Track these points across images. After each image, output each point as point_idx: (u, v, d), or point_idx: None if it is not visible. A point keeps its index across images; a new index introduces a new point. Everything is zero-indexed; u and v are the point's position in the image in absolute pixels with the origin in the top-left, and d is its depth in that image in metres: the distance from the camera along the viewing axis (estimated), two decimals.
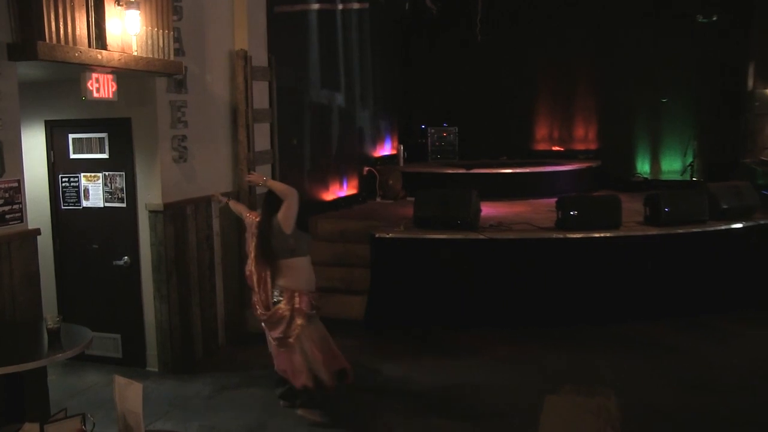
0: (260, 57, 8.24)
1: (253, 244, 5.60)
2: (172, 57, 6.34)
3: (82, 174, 7.02)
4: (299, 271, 5.50)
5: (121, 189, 6.89)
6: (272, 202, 5.49)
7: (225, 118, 7.79)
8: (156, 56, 6.11)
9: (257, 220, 5.68)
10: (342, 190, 11.37)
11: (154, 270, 6.85)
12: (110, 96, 5.78)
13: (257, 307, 5.58)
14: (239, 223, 7.83)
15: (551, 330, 7.87)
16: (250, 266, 5.61)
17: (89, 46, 5.37)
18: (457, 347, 7.53)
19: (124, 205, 6.91)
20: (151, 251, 6.84)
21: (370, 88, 12.64)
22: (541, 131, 14.41)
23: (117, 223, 6.96)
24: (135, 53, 5.85)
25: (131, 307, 7.02)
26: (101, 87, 5.66)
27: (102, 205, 6.99)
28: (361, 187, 12.05)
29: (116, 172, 6.89)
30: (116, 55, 5.59)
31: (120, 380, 3.57)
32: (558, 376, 6.55)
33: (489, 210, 9.74)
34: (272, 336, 5.57)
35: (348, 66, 11.68)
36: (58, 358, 4.57)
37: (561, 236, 8.16)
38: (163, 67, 6.21)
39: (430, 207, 8.46)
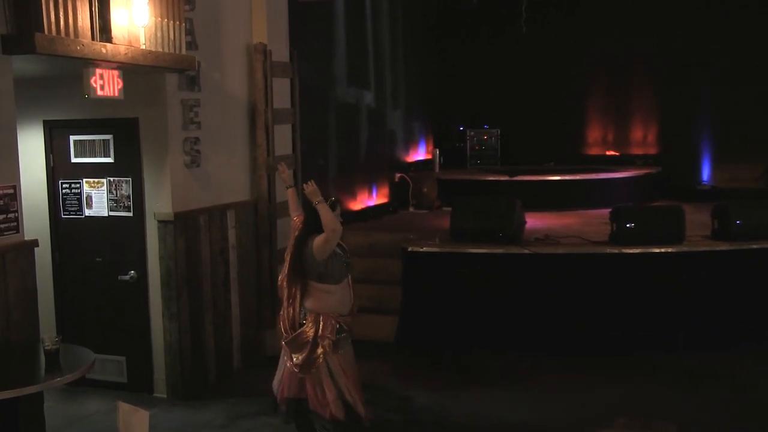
0: (281, 51, 8.25)
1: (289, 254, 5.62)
2: (183, 51, 6.35)
3: (85, 180, 7.04)
4: (328, 295, 5.49)
5: (128, 196, 6.90)
6: (313, 220, 5.47)
7: (242, 119, 7.81)
8: (166, 50, 6.11)
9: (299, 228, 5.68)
10: (371, 198, 11.37)
11: (163, 286, 6.86)
12: (116, 94, 5.79)
13: (282, 323, 5.56)
14: (258, 235, 7.88)
15: (604, 358, 7.77)
16: (284, 277, 5.61)
17: (92, 38, 5.37)
18: (497, 375, 7.48)
19: (130, 214, 6.92)
20: (160, 265, 6.84)
21: (403, 86, 12.64)
22: (594, 134, 14.28)
23: (122, 234, 6.97)
24: (143, 47, 5.85)
25: (137, 327, 7.02)
26: (106, 84, 5.66)
27: (106, 214, 7.00)
28: (393, 195, 12.07)
29: (122, 178, 6.91)
30: (122, 49, 5.60)
31: (124, 407, 3.57)
32: (611, 409, 6.48)
33: (534, 222, 9.67)
34: (294, 360, 5.50)
35: (378, 61, 11.70)
36: (56, 382, 4.58)
37: (616, 251, 8.07)
38: (173, 63, 6.21)
39: (469, 218, 8.43)
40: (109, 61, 5.51)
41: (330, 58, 10.17)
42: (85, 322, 7.15)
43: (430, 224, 10.17)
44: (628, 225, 8.15)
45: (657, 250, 8.06)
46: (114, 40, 5.54)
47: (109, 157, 6.94)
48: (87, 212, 7.06)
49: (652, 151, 13.88)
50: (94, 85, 5.56)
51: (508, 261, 8.13)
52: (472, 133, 14.34)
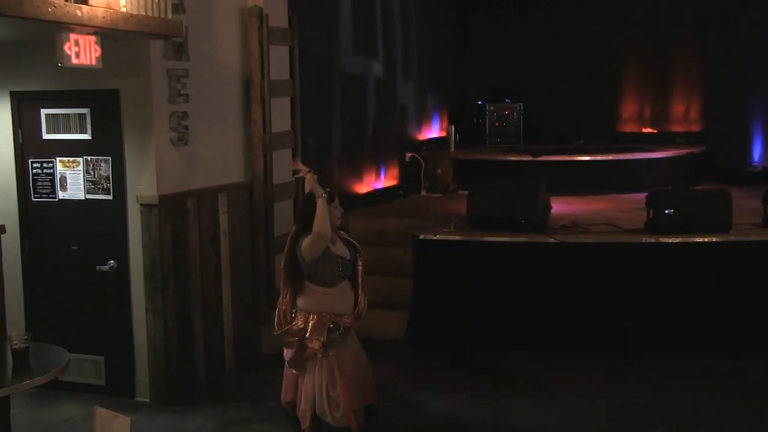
0: (279, 16, 8.22)
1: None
2: (169, 15, 6.31)
3: (58, 158, 7.02)
4: (323, 295, 5.59)
5: (107, 177, 6.89)
6: (306, 216, 5.56)
7: (235, 92, 7.80)
8: (150, 14, 6.08)
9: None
10: (379, 180, 11.37)
11: (147, 277, 6.86)
12: (93, 62, 5.76)
13: (277, 315, 5.67)
14: (253, 221, 7.89)
15: (638, 359, 7.78)
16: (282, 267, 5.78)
17: None
18: (519, 377, 7.49)
19: (110, 197, 6.92)
20: (143, 254, 6.85)
21: (415, 55, 12.60)
22: (629, 109, 14.19)
23: (101, 219, 6.96)
24: (123, 9, 5.82)
25: (118, 323, 7.02)
26: (81, 51, 5.62)
27: (83, 197, 7.00)
28: (403, 177, 12.06)
29: (100, 157, 6.90)
30: (100, 12, 5.56)
31: (102, 413, 3.56)
32: (646, 416, 6.47)
33: (561, 207, 9.65)
34: (285, 355, 5.67)
35: (387, 28, 11.66)
36: (25, 385, 4.59)
37: (653, 241, 8.03)
38: (158, 27, 6.18)
39: (488, 203, 8.42)
40: (85, 26, 5.48)
41: (334, 23, 10.13)
42: (59, 318, 7.15)
43: (445, 209, 10.15)
44: (666, 211, 8.10)
45: (700, 240, 8.00)
46: (91, 2, 5.51)
47: (86, 133, 6.91)
48: (61, 195, 7.05)
49: (694, 128, 13.78)
50: (69, 53, 5.52)
51: (531, 251, 8.11)
52: (492, 107, 14.22)
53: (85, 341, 6.99)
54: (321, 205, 5.42)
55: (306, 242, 5.46)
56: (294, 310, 5.61)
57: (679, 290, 8.00)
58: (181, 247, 7.02)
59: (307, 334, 5.48)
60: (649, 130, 14.02)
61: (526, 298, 8.09)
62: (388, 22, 11.64)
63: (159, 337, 6.88)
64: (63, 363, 4.83)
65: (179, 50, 6.88)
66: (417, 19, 12.56)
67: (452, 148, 13.13)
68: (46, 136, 7.04)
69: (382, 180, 11.47)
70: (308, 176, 5.72)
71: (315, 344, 5.47)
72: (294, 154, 8.45)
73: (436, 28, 13.41)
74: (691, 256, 8.02)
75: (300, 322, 5.52)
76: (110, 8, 5.67)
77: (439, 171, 12.10)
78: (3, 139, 7.10)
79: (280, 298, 5.71)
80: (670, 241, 8.00)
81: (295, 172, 6.35)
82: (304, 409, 5.55)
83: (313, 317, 5.51)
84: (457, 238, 8.29)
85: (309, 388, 5.56)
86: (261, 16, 7.78)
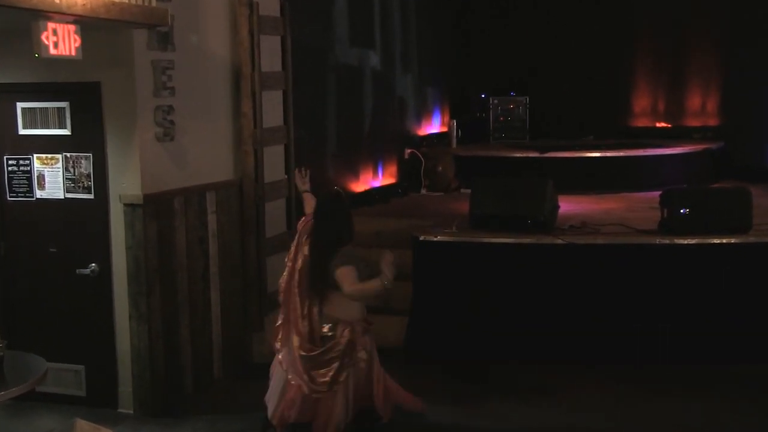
0: (270, 4, 8.21)
1: (295, 256, 5.89)
2: (154, 2, 6.31)
3: (36, 155, 7.01)
4: (351, 302, 5.75)
5: (88, 175, 6.88)
6: (329, 227, 5.78)
7: (224, 84, 7.79)
8: (133, 1, 6.07)
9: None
10: (376, 178, 11.40)
11: (131, 281, 6.85)
12: (72, 53, 5.75)
13: (296, 339, 5.74)
14: (243, 221, 7.92)
15: (651, 368, 7.77)
16: (286, 281, 5.91)
17: None
18: (525, 387, 7.51)
19: (91, 196, 6.91)
20: (127, 256, 6.84)
21: (415, 46, 12.63)
22: (641, 102, 14.23)
23: (82, 219, 6.95)
24: None
25: (99, 330, 7.01)
26: (60, 41, 5.61)
27: (62, 196, 6.98)
28: (402, 174, 12.10)
29: (81, 154, 6.88)
30: None
31: (83, 425, 3.55)
32: (659, 426, 6.52)
33: (569, 206, 9.68)
34: (318, 380, 5.66)
35: (386, 17, 11.67)
36: (0, 396, 4.53)
37: (667, 242, 8.03)
38: (142, 16, 6.18)
39: (492, 202, 8.41)
40: (63, 14, 5.47)
41: (329, 12, 10.14)
42: (36, 325, 7.13)
43: (446, 209, 10.18)
44: (682, 211, 8.09)
45: (717, 241, 7.99)
46: None
47: (65, 128, 6.90)
48: (39, 194, 7.04)
49: (711, 122, 13.82)
50: (46, 43, 5.50)
51: (537, 253, 8.11)
52: (496, 101, 14.26)
53: (64, 349, 6.96)
54: (376, 287, 5.54)
55: (348, 282, 5.55)
56: (330, 325, 5.71)
57: (695, 295, 7.98)
58: (167, 249, 7.01)
59: (356, 339, 5.69)
60: (663, 124, 14.07)
61: (532, 304, 8.08)
62: (386, 11, 11.66)
63: (143, 344, 6.86)
64: (40, 373, 4.82)
65: (164, 40, 6.85)
66: (417, 7, 12.59)
67: (454, 144, 13.16)
68: (22, 132, 7.01)
69: (380, 178, 11.49)
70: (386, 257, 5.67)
71: (363, 354, 5.70)
72: (286, 151, 8.49)
73: (437, 17, 13.43)
74: (708, 259, 8.00)
75: (347, 333, 5.65)
76: None
77: (440, 168, 12.12)
78: None
79: (286, 322, 5.81)
80: (686, 242, 7.99)
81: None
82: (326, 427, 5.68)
83: (353, 328, 5.69)
84: (459, 239, 8.28)
85: (340, 404, 5.69)
86: (251, 4, 7.77)
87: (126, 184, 6.76)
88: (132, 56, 6.61)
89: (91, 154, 6.84)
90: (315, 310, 5.74)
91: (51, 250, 7.05)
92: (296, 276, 5.81)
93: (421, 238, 8.31)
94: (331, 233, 5.72)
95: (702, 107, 13.92)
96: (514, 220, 8.24)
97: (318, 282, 5.71)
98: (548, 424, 6.73)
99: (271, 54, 8.22)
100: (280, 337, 5.86)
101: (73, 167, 6.90)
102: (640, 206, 9.95)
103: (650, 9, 13.81)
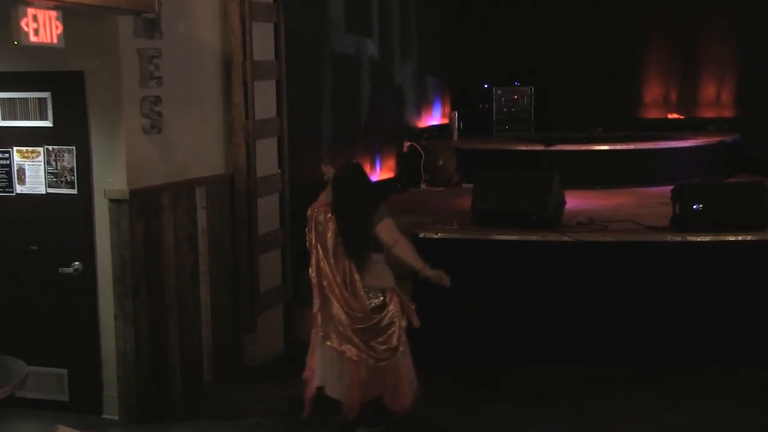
0: None
1: (321, 238, 6.28)
2: None
3: (16, 148, 7.00)
4: (383, 265, 6.42)
5: (71, 169, 6.87)
6: (361, 193, 6.30)
7: (215, 74, 7.79)
8: None
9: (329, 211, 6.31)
10: (374, 172, 11.41)
11: (116, 281, 6.84)
12: (53, 41, 5.73)
13: (344, 317, 6.18)
14: (234, 218, 7.92)
15: (660, 370, 7.80)
16: (320, 267, 6.29)
17: None
18: (529, 391, 7.54)
19: (74, 191, 6.90)
20: (112, 255, 6.83)
21: (414, 34, 12.65)
22: (652, 92, 14.25)
23: (64, 216, 6.94)
24: None
25: (83, 332, 7.00)
26: (41, 28, 5.59)
27: (44, 192, 6.97)
28: (400, 168, 12.14)
29: (63, 147, 6.87)
30: None
31: None
32: None
33: (576, 202, 9.68)
34: (379, 347, 6.17)
35: (384, 3, 11.70)
36: None
37: (679, 240, 8.02)
38: (127, 2, 6.16)
39: (495, 197, 8.40)
40: None
41: None
42: (16, 326, 7.12)
43: (447, 204, 10.20)
44: (695, 206, 8.06)
45: (732, 238, 7.98)
46: None
47: (47, 120, 6.89)
48: (19, 189, 7.03)
49: (726, 113, 13.85)
50: (26, 29, 5.47)
51: (543, 250, 8.11)
52: (500, 92, 14.23)
53: (46, 352, 6.96)
54: (417, 258, 6.51)
55: (389, 232, 6.31)
56: (378, 293, 6.26)
57: (708, 294, 7.97)
58: (155, 247, 7.01)
59: (402, 306, 6.29)
60: (675, 115, 14.10)
61: (538, 304, 8.09)
62: None
63: (129, 347, 6.85)
64: (21, 377, 4.81)
65: (151, 27, 6.84)
66: None
67: (455, 137, 13.20)
68: (1, 123, 6.98)
69: (378, 172, 11.52)
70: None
71: (416, 320, 6.34)
72: (279, 144, 8.48)
73: (438, 3, 13.42)
74: (722, 257, 7.99)
75: (396, 298, 6.30)
76: None
77: (441, 162, 12.15)
78: None
79: (316, 305, 6.26)
80: (699, 239, 7.98)
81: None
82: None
83: (396, 292, 6.34)
84: (461, 236, 8.28)
85: (407, 372, 6.34)
86: None
87: (111, 178, 6.74)
88: (117, 44, 6.58)
89: (74, 147, 6.83)
90: (358, 284, 6.16)
91: (32, 248, 7.04)
92: (330, 257, 6.21)
93: (421, 235, 8.29)
94: (356, 196, 6.17)
95: (717, 97, 13.93)
96: (518, 216, 8.22)
97: (356, 248, 6.18)
98: (552, 429, 6.78)
99: (263, 42, 8.21)
100: (320, 322, 6.27)
101: (55, 161, 6.89)
102: (651, 202, 9.97)
103: None
